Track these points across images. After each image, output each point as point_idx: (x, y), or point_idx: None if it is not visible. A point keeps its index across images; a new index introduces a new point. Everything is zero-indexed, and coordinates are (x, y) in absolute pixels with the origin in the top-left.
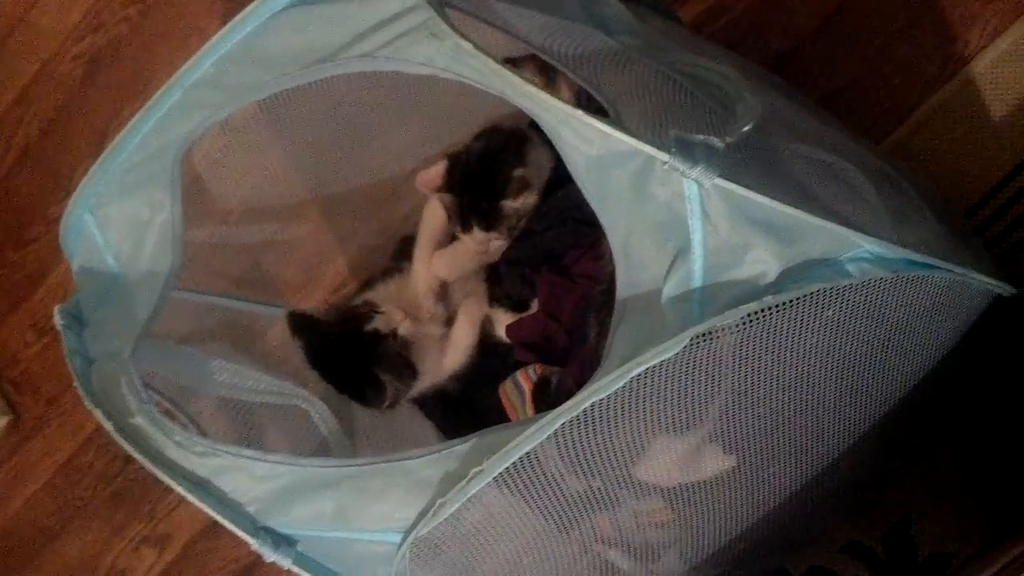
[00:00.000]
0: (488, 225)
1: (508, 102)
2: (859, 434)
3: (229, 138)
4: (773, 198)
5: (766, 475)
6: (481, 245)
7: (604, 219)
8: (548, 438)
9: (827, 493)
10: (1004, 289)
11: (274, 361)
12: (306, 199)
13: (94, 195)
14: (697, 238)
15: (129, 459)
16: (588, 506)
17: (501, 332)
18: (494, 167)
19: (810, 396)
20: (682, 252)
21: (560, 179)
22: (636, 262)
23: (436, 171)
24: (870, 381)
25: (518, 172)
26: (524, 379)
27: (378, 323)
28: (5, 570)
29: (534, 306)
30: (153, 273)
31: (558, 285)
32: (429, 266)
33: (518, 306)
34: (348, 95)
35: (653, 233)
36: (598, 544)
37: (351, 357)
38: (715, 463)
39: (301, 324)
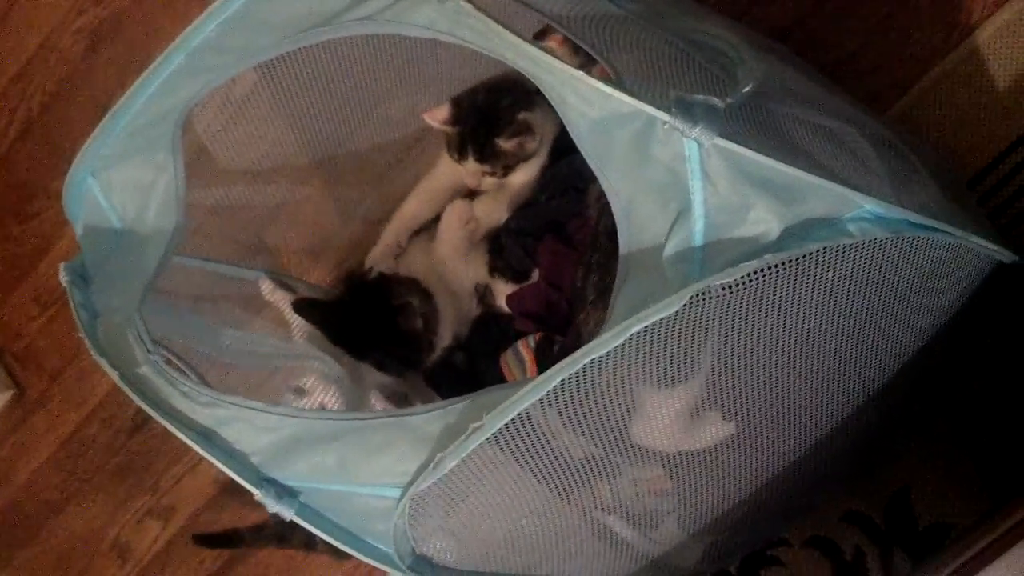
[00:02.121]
0: (481, 157)
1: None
2: (859, 401)
3: (233, 108)
4: (773, 157)
5: (765, 442)
6: (474, 177)
7: (605, 182)
8: (548, 399)
9: (827, 461)
10: (1005, 255)
11: (281, 325)
12: (309, 169)
13: (97, 158)
14: (698, 198)
15: (132, 432)
16: (588, 473)
17: (502, 303)
18: (500, 103)
19: (810, 359)
20: (683, 212)
21: (562, 150)
22: (638, 223)
23: (445, 106)
24: (871, 346)
25: (522, 115)
26: (524, 348)
27: (378, 264)
28: (10, 544)
29: (535, 276)
30: (158, 231)
31: (560, 253)
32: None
33: (518, 276)
34: (349, 63)
35: (654, 194)
36: (598, 511)
37: (369, 306)
38: (715, 430)
39: (310, 309)
